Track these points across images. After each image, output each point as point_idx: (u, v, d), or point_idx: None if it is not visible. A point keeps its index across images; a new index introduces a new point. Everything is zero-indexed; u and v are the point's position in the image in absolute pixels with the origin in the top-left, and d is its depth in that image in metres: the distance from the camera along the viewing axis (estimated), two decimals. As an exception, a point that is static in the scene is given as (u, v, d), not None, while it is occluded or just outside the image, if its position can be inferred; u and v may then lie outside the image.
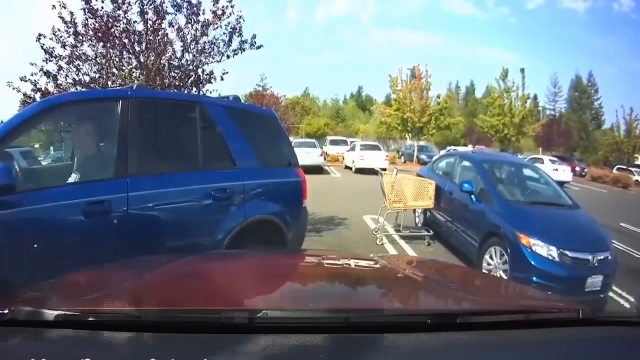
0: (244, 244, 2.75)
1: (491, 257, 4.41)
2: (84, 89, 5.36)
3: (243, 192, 2.90)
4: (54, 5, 5.11)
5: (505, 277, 4.04)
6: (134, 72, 5.53)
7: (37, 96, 5.25)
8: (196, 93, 5.73)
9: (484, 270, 4.33)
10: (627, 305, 4.27)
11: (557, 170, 18.45)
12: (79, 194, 2.29)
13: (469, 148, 23.74)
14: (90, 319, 0.86)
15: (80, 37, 5.25)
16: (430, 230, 6.03)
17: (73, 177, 2.48)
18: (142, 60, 5.48)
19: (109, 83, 5.41)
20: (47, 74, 5.17)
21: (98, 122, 2.67)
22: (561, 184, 7.35)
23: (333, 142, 23.77)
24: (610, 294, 4.24)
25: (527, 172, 5.77)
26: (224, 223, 2.78)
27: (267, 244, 2.98)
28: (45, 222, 2.20)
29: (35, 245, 2.10)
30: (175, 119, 2.89)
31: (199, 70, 5.84)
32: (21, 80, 5.09)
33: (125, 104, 2.51)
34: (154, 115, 2.72)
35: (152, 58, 5.45)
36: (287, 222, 3.14)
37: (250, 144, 3.06)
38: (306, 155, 13.59)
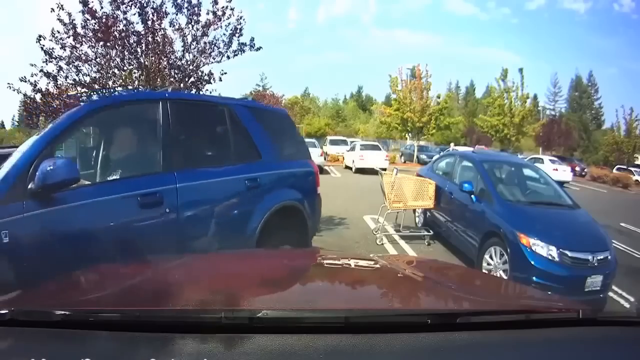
0: (274, 227, 3.08)
1: (491, 257, 4.41)
2: (84, 90, 5.37)
3: (270, 181, 3.22)
4: (52, 9, 5.12)
5: (505, 277, 4.05)
6: (134, 72, 5.53)
7: (37, 97, 5.26)
8: (196, 93, 5.73)
9: (484, 270, 4.33)
10: (627, 305, 4.27)
11: (557, 170, 18.46)
12: (133, 186, 2.45)
13: (452, 147, 24.10)
14: (91, 319, 0.86)
15: (80, 38, 5.25)
16: (430, 230, 6.03)
17: (115, 174, 2.60)
18: (142, 60, 5.49)
19: (110, 83, 5.41)
20: (47, 74, 5.17)
21: (143, 121, 2.83)
22: (561, 184, 7.34)
23: (333, 142, 23.75)
24: (610, 294, 4.24)
25: (527, 172, 5.77)
26: (257, 209, 3.05)
27: (292, 226, 3.33)
28: (104, 213, 2.33)
29: (98, 234, 2.26)
30: (207, 117, 3.13)
31: (199, 71, 5.85)
32: (21, 81, 5.09)
33: (164, 104, 2.70)
34: (190, 114, 2.95)
35: (152, 58, 5.45)
36: (306, 207, 3.50)
37: (272, 139, 3.36)
38: (306, 155, 13.57)
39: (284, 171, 3.39)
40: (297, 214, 3.40)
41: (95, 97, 4.84)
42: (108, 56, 5.36)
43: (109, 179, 2.55)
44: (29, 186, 2.05)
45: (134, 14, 5.42)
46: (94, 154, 2.87)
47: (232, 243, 2.87)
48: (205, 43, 5.75)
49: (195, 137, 2.97)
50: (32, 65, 5.13)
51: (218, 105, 3.28)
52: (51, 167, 2.03)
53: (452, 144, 29.79)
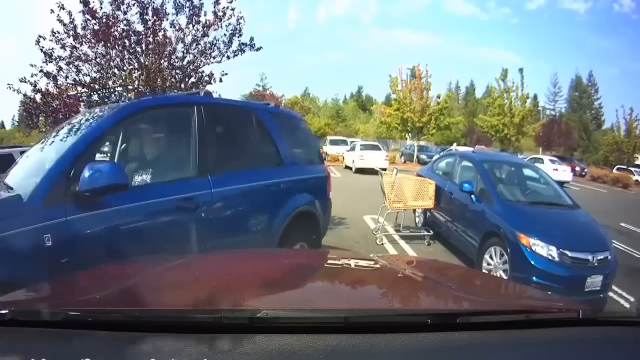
0: (292, 230, 3.19)
1: (491, 257, 4.41)
2: (84, 90, 5.38)
3: (291, 186, 3.32)
4: (52, 10, 5.13)
5: (505, 277, 4.04)
6: (134, 72, 5.53)
7: (37, 97, 5.26)
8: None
9: (484, 270, 4.33)
10: (627, 305, 4.27)
11: (557, 170, 18.46)
12: (172, 191, 2.47)
13: (455, 147, 23.85)
14: (90, 319, 0.86)
15: (80, 38, 5.25)
16: (430, 230, 6.03)
17: (153, 178, 2.59)
18: (142, 60, 5.49)
19: (110, 83, 5.42)
20: (47, 74, 5.17)
21: (180, 124, 2.83)
22: (561, 184, 7.33)
23: (333, 142, 23.76)
24: (610, 294, 4.24)
25: (527, 172, 5.76)
26: (280, 213, 3.15)
27: (306, 228, 3.44)
28: (146, 217, 2.36)
29: (139, 238, 2.30)
30: (236, 122, 3.18)
31: (199, 71, 5.85)
32: (21, 81, 5.09)
33: (199, 108, 2.72)
34: (221, 119, 2.98)
35: (152, 59, 5.45)
36: (319, 210, 3.63)
37: (291, 145, 3.49)
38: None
39: (302, 177, 3.50)
40: (311, 217, 3.53)
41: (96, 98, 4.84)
42: (108, 56, 5.36)
43: (148, 182, 2.54)
44: (71, 189, 2.03)
45: (135, 14, 5.43)
46: (133, 157, 2.85)
47: (255, 246, 2.92)
48: (205, 43, 5.75)
49: (225, 142, 3.01)
50: (32, 65, 5.13)
51: (246, 109, 3.39)
52: (99, 172, 2.03)
53: (455, 144, 29.50)
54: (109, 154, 2.70)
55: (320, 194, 3.70)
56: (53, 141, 2.56)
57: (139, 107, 2.70)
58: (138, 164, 2.66)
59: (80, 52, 5.29)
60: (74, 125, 2.61)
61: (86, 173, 2.01)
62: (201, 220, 2.55)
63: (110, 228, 2.17)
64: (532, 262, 3.92)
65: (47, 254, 1.89)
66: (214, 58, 5.80)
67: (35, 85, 5.17)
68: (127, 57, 5.45)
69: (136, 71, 5.54)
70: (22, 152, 6.49)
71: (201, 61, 5.80)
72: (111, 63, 5.40)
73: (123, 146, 2.77)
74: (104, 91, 5.57)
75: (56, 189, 2.01)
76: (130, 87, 5.58)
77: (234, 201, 2.82)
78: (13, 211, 1.89)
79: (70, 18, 5.21)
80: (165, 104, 2.97)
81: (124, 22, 5.37)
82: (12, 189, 2.17)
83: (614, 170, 25.46)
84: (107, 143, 2.56)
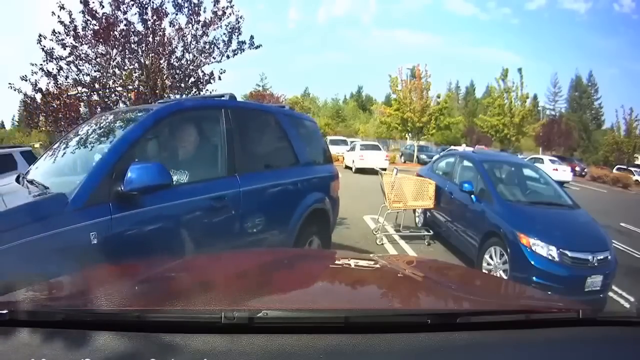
0: (307, 226, 3.35)
1: (491, 257, 4.41)
2: (85, 90, 5.39)
3: (306, 184, 3.48)
4: (53, 12, 5.13)
5: (505, 277, 4.04)
6: (135, 72, 5.53)
7: (38, 97, 5.26)
8: (196, 94, 5.74)
9: (484, 270, 4.33)
10: (627, 305, 4.27)
11: (557, 170, 18.46)
12: (207, 190, 2.56)
13: (464, 147, 23.58)
14: (90, 319, 0.86)
15: (80, 39, 5.25)
16: (430, 230, 6.03)
17: (189, 177, 2.62)
18: (142, 60, 5.49)
19: (110, 83, 5.42)
20: (47, 73, 5.17)
21: (210, 127, 2.91)
22: (561, 183, 7.33)
23: (333, 142, 23.64)
24: (610, 294, 4.23)
25: (527, 172, 5.76)
26: (297, 210, 3.29)
27: (318, 224, 3.58)
28: (185, 216, 2.45)
29: (179, 235, 2.36)
30: (258, 124, 3.28)
31: (199, 71, 5.85)
32: (22, 80, 5.09)
33: (226, 111, 2.84)
34: (246, 121, 3.06)
35: (152, 58, 5.45)
36: (330, 208, 3.79)
37: (305, 145, 3.64)
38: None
39: (315, 176, 3.66)
40: (324, 214, 3.68)
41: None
42: (108, 55, 5.36)
43: (185, 181, 2.56)
44: (116, 188, 2.07)
45: (134, 14, 5.43)
46: (169, 157, 2.84)
47: (276, 240, 3.03)
48: (205, 43, 5.75)
49: (249, 143, 3.09)
50: (33, 64, 5.13)
51: (265, 112, 3.56)
52: (144, 172, 2.07)
53: (464, 144, 28.91)
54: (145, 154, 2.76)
55: (330, 192, 3.86)
56: (85, 141, 2.59)
57: (175, 109, 2.75)
58: (173, 163, 2.68)
59: (81, 52, 5.30)
60: (107, 126, 2.65)
61: (131, 173, 2.05)
62: (231, 218, 2.66)
63: (152, 225, 2.24)
64: (532, 262, 3.92)
65: (92, 252, 1.91)
66: (213, 57, 5.80)
67: (35, 85, 5.17)
68: (127, 56, 5.45)
69: (136, 71, 5.54)
70: (22, 152, 6.49)
71: (201, 61, 5.80)
72: (111, 63, 5.40)
73: (159, 146, 2.80)
74: (104, 91, 5.57)
75: (101, 189, 2.05)
76: (130, 87, 5.58)
77: (259, 199, 2.94)
78: (59, 209, 1.90)
79: (70, 18, 5.21)
80: (198, 107, 3.07)
81: (124, 22, 5.37)
82: (47, 188, 2.18)
83: (614, 170, 25.46)
84: (146, 143, 2.59)
